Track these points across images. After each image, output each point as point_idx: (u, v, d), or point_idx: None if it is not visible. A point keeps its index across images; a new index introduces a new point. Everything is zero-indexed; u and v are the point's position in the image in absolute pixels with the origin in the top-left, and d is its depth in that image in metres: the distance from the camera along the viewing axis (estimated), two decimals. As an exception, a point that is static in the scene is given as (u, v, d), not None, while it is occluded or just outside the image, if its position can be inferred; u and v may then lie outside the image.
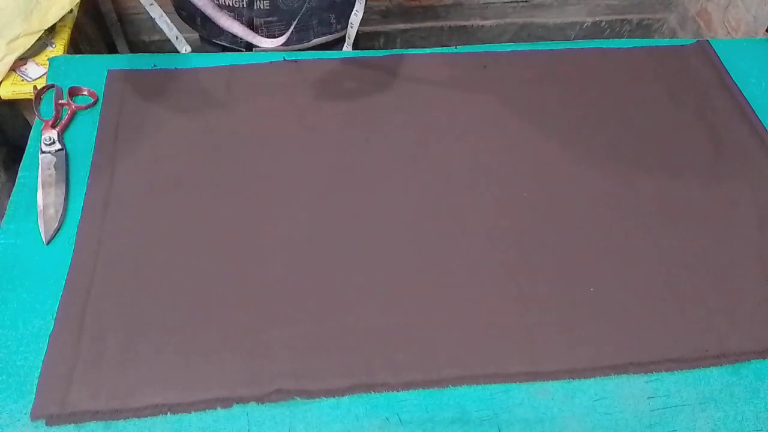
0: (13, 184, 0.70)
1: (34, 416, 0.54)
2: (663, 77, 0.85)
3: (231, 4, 0.89)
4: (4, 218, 0.67)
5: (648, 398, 0.57)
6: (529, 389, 0.58)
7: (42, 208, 0.67)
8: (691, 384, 0.58)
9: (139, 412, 0.54)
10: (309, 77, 0.82)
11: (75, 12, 1.14)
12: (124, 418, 0.54)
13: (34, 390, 0.55)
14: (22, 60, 1.06)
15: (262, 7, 0.90)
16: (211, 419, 0.55)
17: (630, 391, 0.58)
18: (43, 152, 0.72)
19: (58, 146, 0.72)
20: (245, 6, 0.89)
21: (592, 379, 0.58)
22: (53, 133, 0.73)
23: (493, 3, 1.56)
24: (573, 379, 0.58)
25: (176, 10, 0.99)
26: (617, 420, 0.56)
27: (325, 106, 0.79)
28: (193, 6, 0.89)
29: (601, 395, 0.57)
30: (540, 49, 0.89)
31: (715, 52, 0.88)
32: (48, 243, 0.65)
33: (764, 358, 0.60)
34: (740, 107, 0.82)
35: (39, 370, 0.56)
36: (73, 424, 0.54)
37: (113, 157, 0.72)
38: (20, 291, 0.61)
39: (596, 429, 0.56)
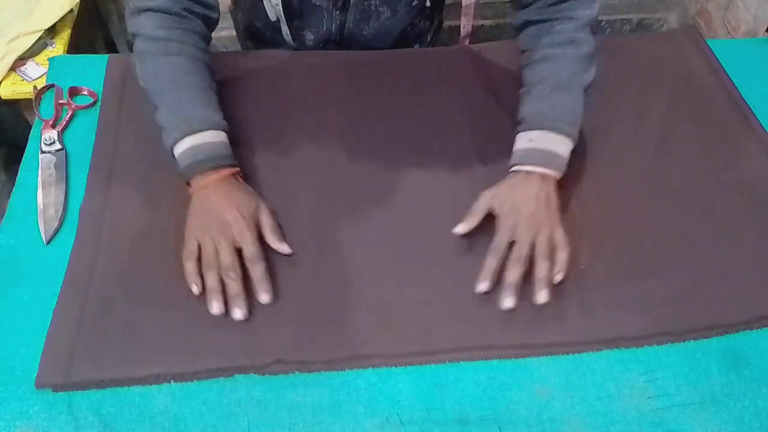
0: (13, 184, 0.70)
1: (39, 387, 0.55)
2: (651, 62, 0.87)
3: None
4: (4, 218, 0.67)
5: (648, 398, 0.57)
6: (529, 389, 0.58)
7: (42, 208, 0.67)
8: (692, 383, 0.58)
9: (142, 381, 0.56)
10: (309, 74, 0.82)
11: (75, 12, 1.14)
12: (127, 386, 0.56)
13: (34, 390, 0.55)
14: (22, 60, 1.06)
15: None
16: (213, 419, 0.55)
17: (630, 391, 0.58)
18: (43, 152, 0.72)
19: (58, 146, 0.72)
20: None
21: (592, 379, 0.58)
22: (53, 133, 0.73)
23: (493, 3, 1.56)
24: (565, 353, 0.59)
25: (241, 42, 0.99)
26: (617, 420, 0.56)
27: (324, 103, 0.79)
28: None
29: (601, 395, 0.57)
30: None
31: (702, 36, 0.90)
32: (48, 243, 0.65)
33: (752, 329, 0.62)
34: (727, 91, 0.83)
35: (38, 371, 0.56)
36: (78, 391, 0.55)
37: (113, 157, 0.72)
38: (20, 291, 0.61)
39: (596, 429, 0.55)
